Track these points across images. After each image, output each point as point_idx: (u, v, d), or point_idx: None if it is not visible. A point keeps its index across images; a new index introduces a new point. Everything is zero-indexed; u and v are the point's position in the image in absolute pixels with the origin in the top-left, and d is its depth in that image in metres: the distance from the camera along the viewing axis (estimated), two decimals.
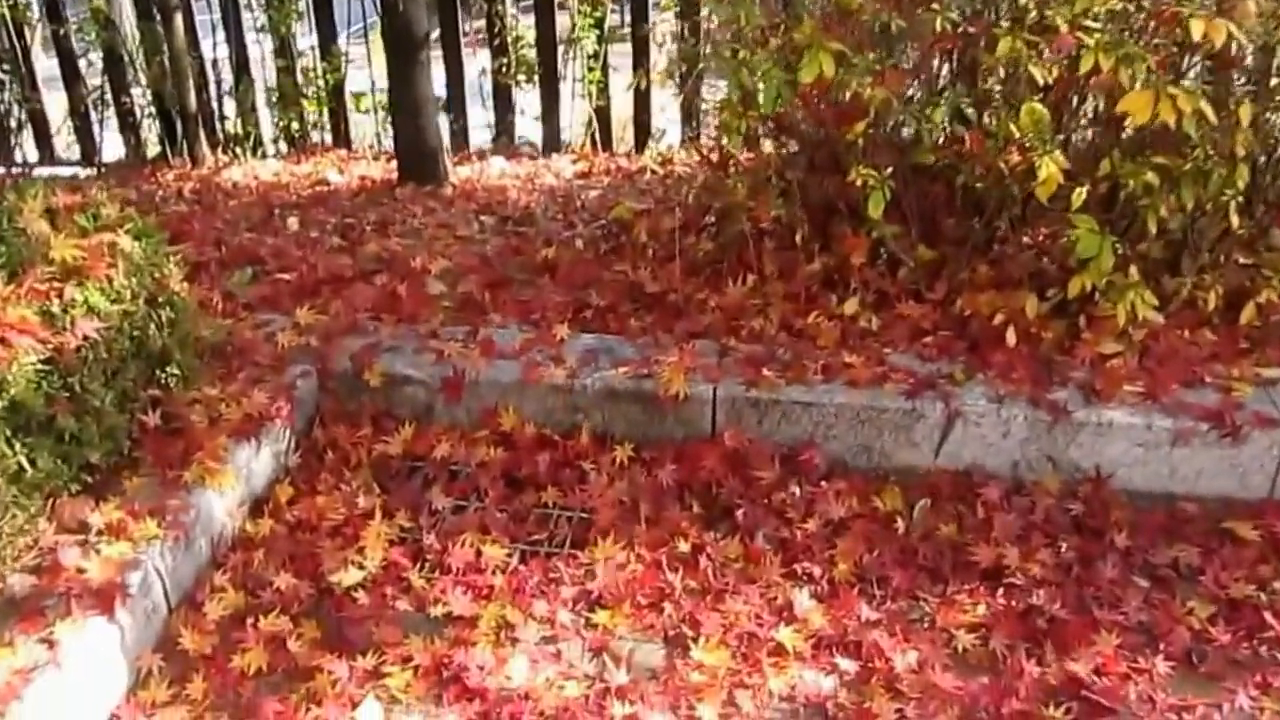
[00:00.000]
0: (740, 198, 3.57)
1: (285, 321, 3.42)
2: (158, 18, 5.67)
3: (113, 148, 6.67)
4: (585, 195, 4.82)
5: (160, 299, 2.86)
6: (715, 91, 5.81)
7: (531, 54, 6.04)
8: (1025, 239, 3.44)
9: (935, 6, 2.93)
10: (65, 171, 6.51)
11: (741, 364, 3.11)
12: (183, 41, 5.67)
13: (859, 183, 3.03)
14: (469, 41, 6.26)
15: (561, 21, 6.02)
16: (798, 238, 3.52)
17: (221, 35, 6.24)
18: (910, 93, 3.21)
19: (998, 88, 3.10)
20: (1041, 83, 2.81)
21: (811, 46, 2.91)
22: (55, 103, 6.66)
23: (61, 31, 6.32)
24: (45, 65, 6.77)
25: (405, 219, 4.46)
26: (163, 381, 2.90)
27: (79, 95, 6.59)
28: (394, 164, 5.47)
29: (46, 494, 2.50)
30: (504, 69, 6.10)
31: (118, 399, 2.70)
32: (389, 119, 5.29)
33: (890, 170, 3.04)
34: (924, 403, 2.95)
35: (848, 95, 3.08)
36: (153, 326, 2.83)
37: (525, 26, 6.07)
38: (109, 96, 6.51)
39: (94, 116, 6.65)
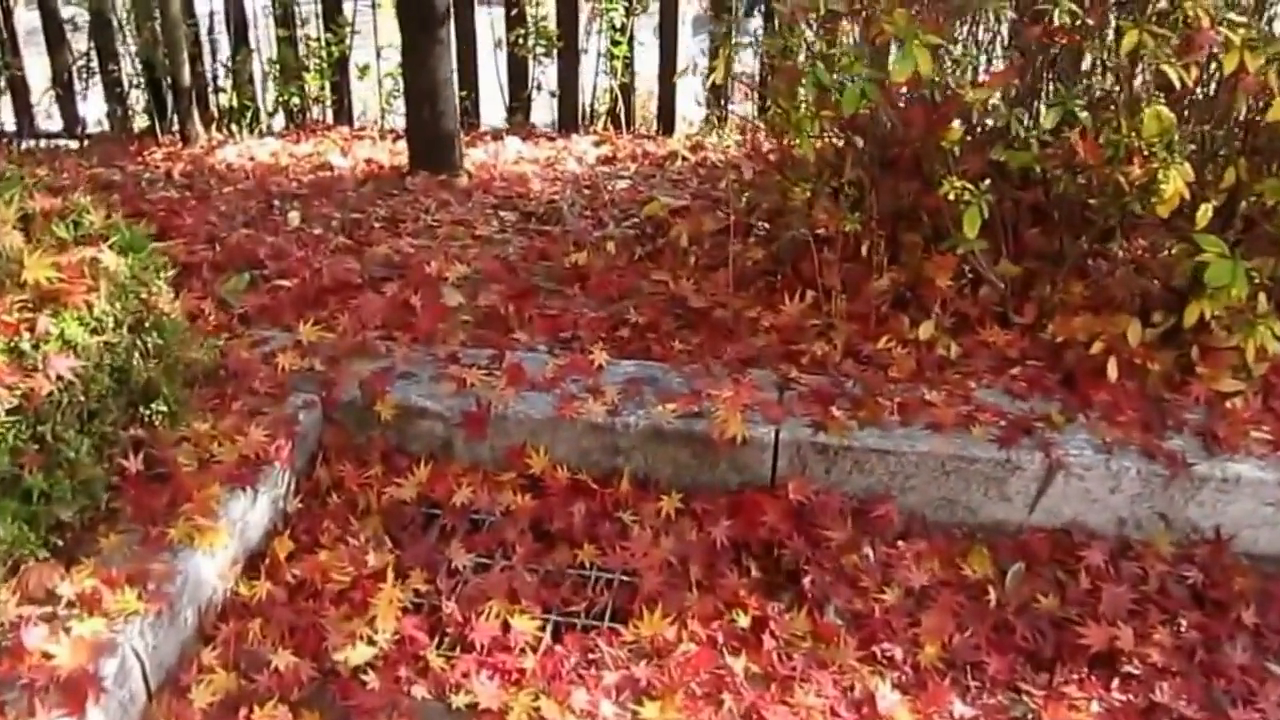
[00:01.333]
0: (800, 201, 3.19)
1: (286, 339, 3.06)
2: None
3: (96, 113, 6.31)
4: (613, 186, 4.45)
5: (147, 323, 2.50)
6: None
7: (550, 24, 5.64)
8: (1121, 252, 3.06)
9: None
10: (48, 144, 6.13)
11: (805, 400, 2.75)
12: (178, 8, 5.26)
13: (950, 196, 2.64)
14: None
15: None
16: (863, 248, 3.14)
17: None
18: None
19: (1116, 88, 2.72)
20: (1177, 84, 2.43)
21: (905, 39, 2.52)
22: (38, 69, 6.25)
23: None
24: (27, 25, 6.37)
25: (417, 214, 4.09)
26: (147, 419, 2.53)
27: (63, 61, 6.20)
28: (401, 145, 5.09)
29: (10, 563, 2.15)
30: (521, 40, 5.70)
31: (95, 446, 2.34)
32: (402, 99, 4.85)
33: (995, 196, 2.64)
34: (1019, 452, 2.58)
35: (940, 95, 2.70)
36: (138, 356, 2.47)
37: None
38: (95, 64, 6.14)
39: (78, 85, 6.27)
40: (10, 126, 6.39)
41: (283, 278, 3.47)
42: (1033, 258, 3.06)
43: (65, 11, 6.01)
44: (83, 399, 2.25)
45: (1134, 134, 2.58)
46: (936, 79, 2.62)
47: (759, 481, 2.71)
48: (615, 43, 5.56)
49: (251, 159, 5.14)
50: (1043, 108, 2.66)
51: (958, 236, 2.82)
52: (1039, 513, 2.64)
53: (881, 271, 3.14)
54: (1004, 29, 3.10)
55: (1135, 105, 2.65)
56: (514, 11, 5.70)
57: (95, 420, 2.34)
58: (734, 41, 3.61)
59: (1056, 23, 2.68)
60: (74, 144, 6.09)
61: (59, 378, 2.17)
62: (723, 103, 5.69)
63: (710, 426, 2.67)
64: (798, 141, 2.80)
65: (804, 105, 2.76)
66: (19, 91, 6.38)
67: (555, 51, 5.71)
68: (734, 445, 2.66)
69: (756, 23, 5.79)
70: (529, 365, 2.93)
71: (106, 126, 6.22)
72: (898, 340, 2.98)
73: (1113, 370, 2.78)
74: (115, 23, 5.91)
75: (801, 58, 3.15)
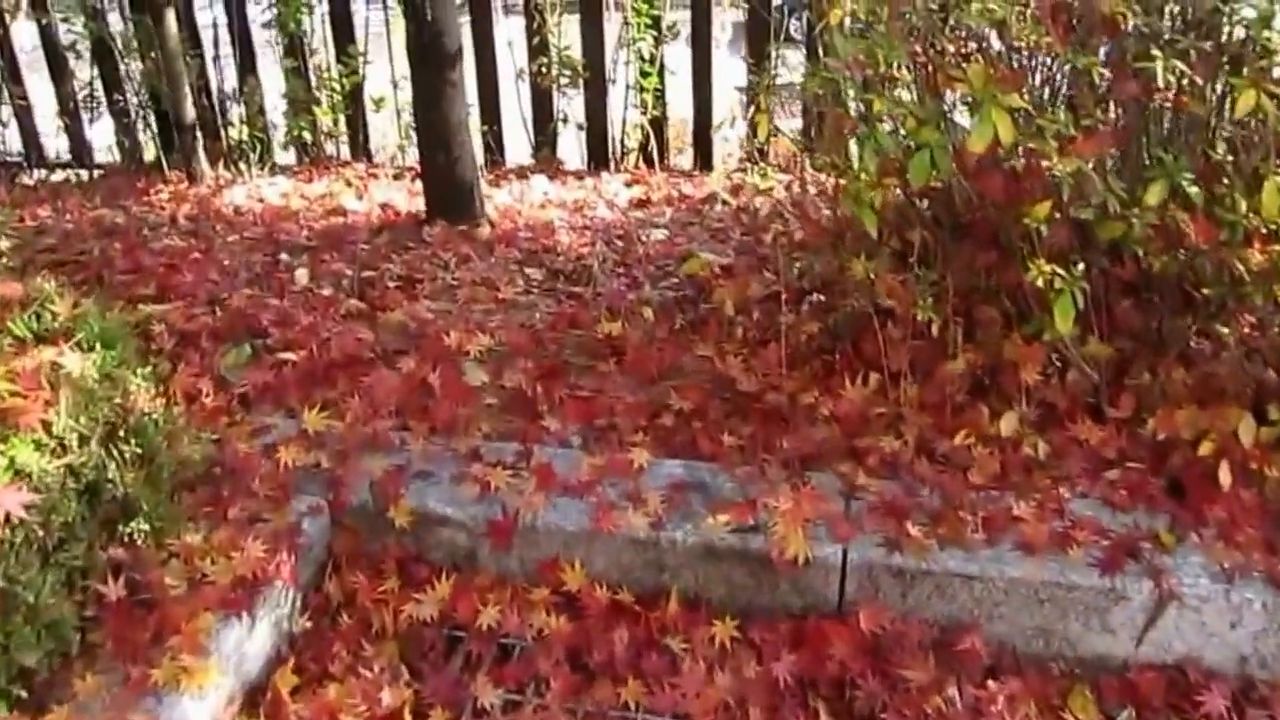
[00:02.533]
0: (861, 273, 2.87)
1: (289, 427, 2.76)
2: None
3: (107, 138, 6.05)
4: (648, 236, 4.15)
5: (123, 430, 2.19)
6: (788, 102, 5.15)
7: (575, 53, 5.34)
8: (1229, 333, 2.74)
9: (1155, 53, 2.21)
10: (56, 176, 5.88)
11: (876, 512, 2.44)
12: (177, 43, 5.00)
13: (1039, 282, 2.33)
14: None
15: (612, 16, 5.34)
16: (934, 325, 2.82)
17: (225, 30, 5.56)
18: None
19: (1229, 158, 2.40)
20: None
21: (984, 102, 2.20)
22: (46, 95, 6.00)
23: (45, 21, 5.65)
24: (30, 51, 6.11)
25: (435, 271, 3.79)
26: (128, 537, 2.23)
27: (67, 91, 5.95)
28: (419, 184, 4.79)
29: None
30: (544, 70, 5.40)
31: (64, 579, 2.04)
32: (415, 137, 4.54)
33: (1083, 268, 2.32)
34: (1124, 579, 2.26)
35: (1022, 164, 2.38)
36: (113, 468, 2.16)
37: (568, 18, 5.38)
38: (101, 92, 5.88)
39: (85, 113, 6.02)
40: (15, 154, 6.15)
41: (288, 349, 3.17)
42: (1126, 337, 2.74)
43: (65, 38, 5.73)
44: (42, 533, 1.95)
45: (1253, 213, 2.25)
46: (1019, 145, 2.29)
47: (825, 606, 2.40)
48: (645, 74, 5.25)
49: (260, 200, 4.86)
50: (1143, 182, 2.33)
51: (1044, 322, 2.51)
52: (1148, 646, 2.32)
53: (955, 352, 2.81)
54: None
55: (1254, 178, 2.33)
56: (536, 40, 5.40)
57: (62, 550, 2.04)
58: (772, 84, 3.26)
59: (1160, 82, 2.35)
60: (83, 172, 5.84)
61: (7, 517, 1.87)
62: (763, 142, 5.38)
63: (768, 544, 2.36)
64: (855, 209, 2.47)
65: (865, 174, 2.44)
66: (24, 120, 6.13)
67: (581, 82, 5.41)
68: (796, 566, 2.34)
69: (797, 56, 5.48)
70: (560, 464, 2.62)
71: (116, 154, 5.96)
72: (977, 435, 2.66)
73: (1225, 475, 2.46)
74: (117, 51, 5.63)
75: (853, 108, 2.84)
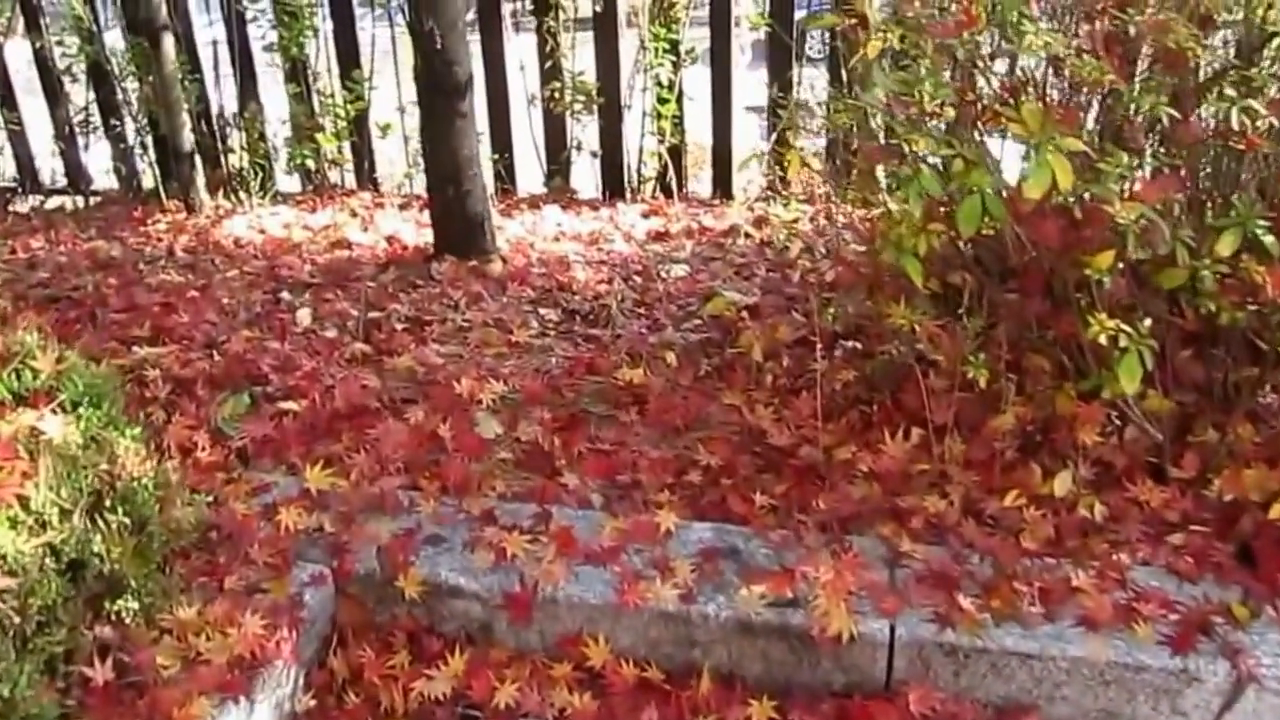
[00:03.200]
0: (900, 320, 2.73)
1: (290, 485, 2.63)
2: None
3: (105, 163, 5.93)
4: (668, 272, 4.01)
5: (110, 499, 2.05)
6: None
7: (589, 78, 5.21)
8: None
9: (1229, 92, 2.06)
10: (51, 201, 5.76)
11: (923, 583, 2.29)
12: (174, 68, 4.87)
13: (1101, 339, 2.18)
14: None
15: (628, 40, 5.21)
16: (980, 378, 2.67)
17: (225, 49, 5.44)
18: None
19: None
20: None
21: (1040, 145, 2.06)
22: (42, 120, 5.88)
23: (39, 45, 5.53)
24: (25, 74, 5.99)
25: (445, 311, 3.65)
26: (116, 615, 2.08)
27: (63, 115, 5.83)
28: (427, 214, 4.66)
29: None
30: (557, 95, 5.27)
31: (42, 668, 1.89)
32: (422, 164, 4.40)
33: (1149, 322, 2.17)
34: (1197, 658, 2.10)
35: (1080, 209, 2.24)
36: (99, 540, 2.01)
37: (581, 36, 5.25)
38: (97, 117, 5.76)
39: (82, 139, 5.90)
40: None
41: (289, 397, 3.04)
42: (1189, 391, 2.59)
43: (61, 61, 5.61)
44: (18, 619, 1.80)
45: None
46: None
47: (871, 685, 2.25)
48: (663, 100, 5.12)
49: (261, 232, 4.73)
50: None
51: (1103, 379, 2.36)
52: None
53: (1003, 406, 2.66)
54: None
55: None
56: (548, 64, 5.27)
57: (42, 634, 1.89)
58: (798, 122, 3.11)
59: (1234, 125, 2.21)
60: (79, 199, 5.72)
61: None
62: (780, 164, 5.24)
63: (809, 619, 2.20)
64: (898, 258, 2.33)
65: (908, 221, 2.29)
66: (18, 144, 6.01)
67: (595, 108, 5.28)
68: (840, 642, 2.19)
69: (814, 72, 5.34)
70: (581, 528, 2.48)
71: (114, 180, 5.84)
72: (1028, 496, 2.50)
73: None
74: (114, 73, 5.51)
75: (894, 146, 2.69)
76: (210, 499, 2.52)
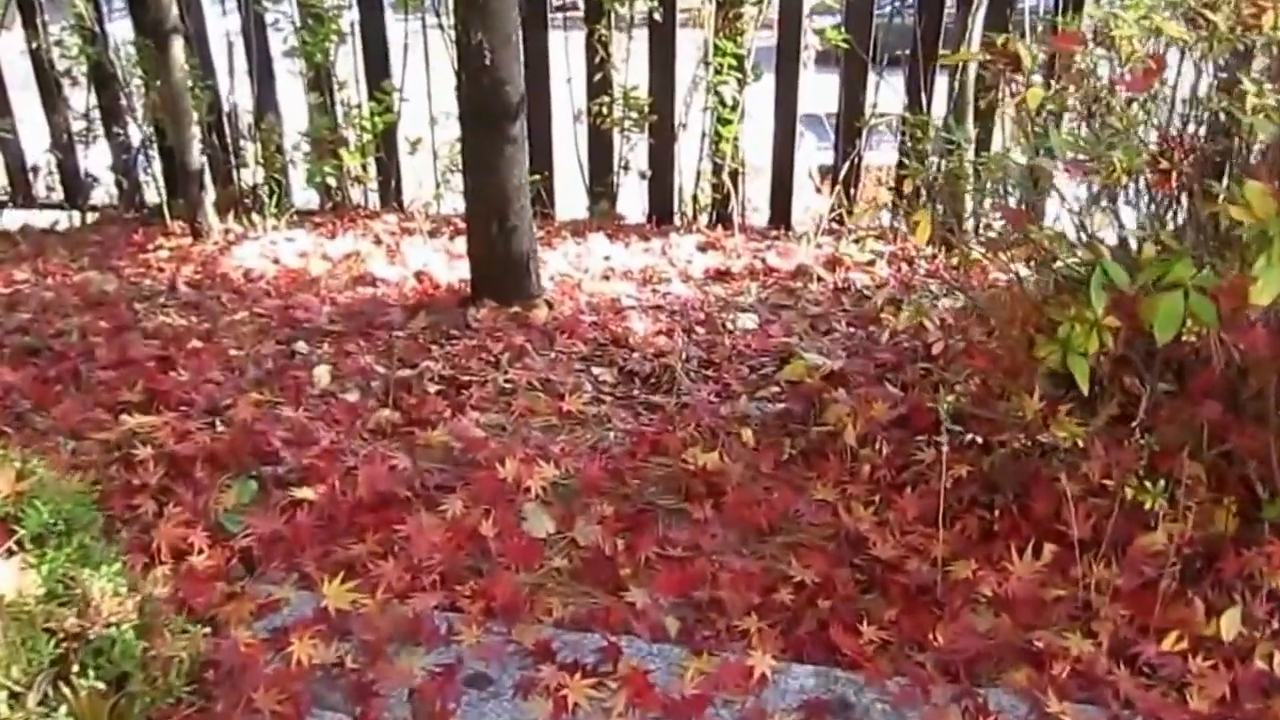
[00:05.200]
0: (1031, 413, 2.36)
1: (304, 603, 2.27)
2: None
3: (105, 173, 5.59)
4: (734, 323, 3.63)
5: (81, 657, 1.68)
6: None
7: (641, 92, 4.85)
8: None
9: None
10: (44, 217, 5.41)
11: None
12: (182, 77, 4.52)
13: None
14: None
15: (683, 53, 4.85)
16: (1127, 489, 2.29)
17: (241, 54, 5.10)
18: None
19: None
20: None
21: (1274, 239, 1.67)
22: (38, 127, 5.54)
23: (36, 45, 5.19)
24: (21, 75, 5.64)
25: (484, 368, 3.29)
26: None
27: (60, 123, 5.48)
28: (461, 244, 4.30)
29: None
30: (605, 111, 4.90)
31: None
32: (461, 188, 4.02)
33: None
34: None
35: None
36: (64, 712, 1.65)
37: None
38: (99, 125, 5.43)
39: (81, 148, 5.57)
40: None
41: (304, 481, 2.68)
42: None
43: (61, 62, 5.27)
44: None
45: None
46: None
47: None
48: (724, 121, 4.74)
49: (275, 262, 4.37)
50: None
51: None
52: None
53: (1155, 520, 2.27)
54: None
55: None
56: (597, 77, 4.90)
57: None
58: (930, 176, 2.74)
59: None
60: (75, 214, 5.38)
61: None
62: (850, 192, 4.86)
63: None
64: (1070, 362, 1.95)
65: (1080, 316, 1.91)
66: (10, 152, 5.67)
67: (647, 126, 4.91)
68: None
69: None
70: (656, 668, 2.12)
71: (115, 194, 5.50)
72: (1191, 638, 2.12)
73: None
74: (118, 78, 5.17)
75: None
76: (207, 627, 2.14)
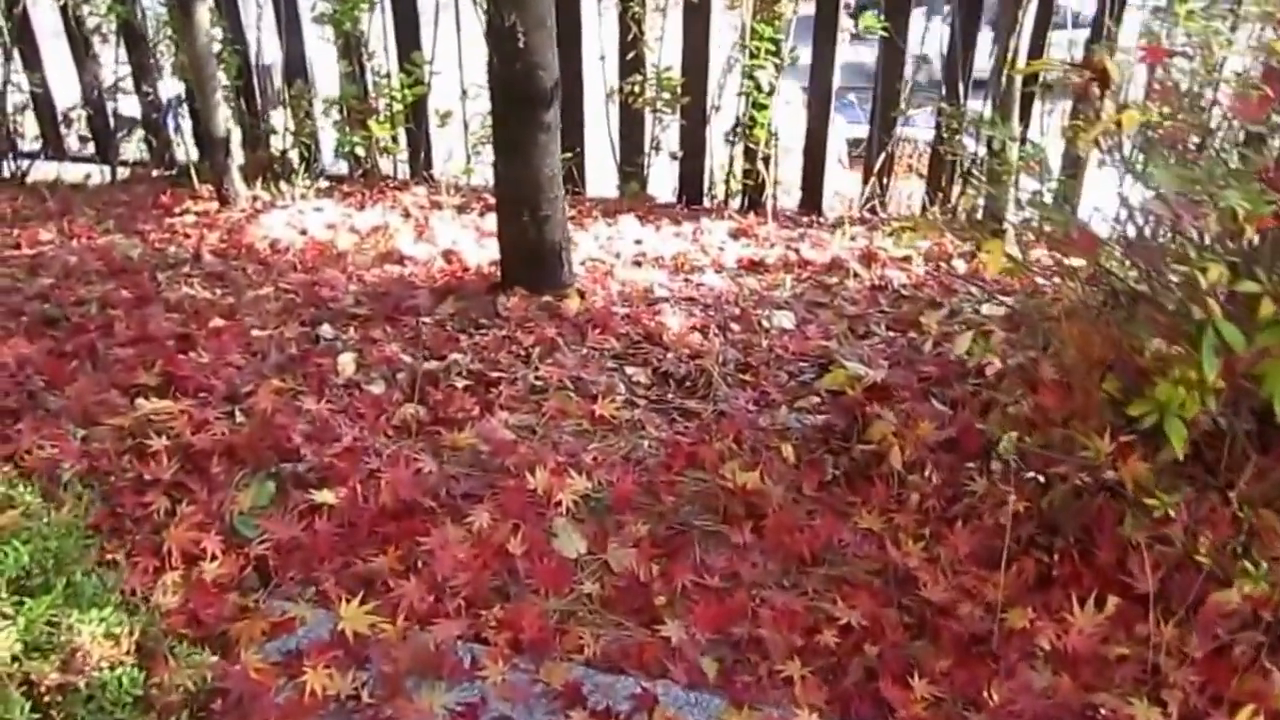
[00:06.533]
0: (1099, 455, 2.11)
1: (320, 624, 2.05)
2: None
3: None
4: (770, 320, 3.38)
5: (65, 713, 1.45)
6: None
7: (674, 72, 4.58)
8: None
9: None
10: (76, 170, 5.15)
11: None
12: (207, 42, 4.24)
13: None
14: None
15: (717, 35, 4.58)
16: (1200, 535, 2.05)
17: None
18: None
19: None
20: None
21: None
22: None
23: (64, 2, 4.90)
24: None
25: (514, 365, 3.03)
26: None
27: (91, 80, 5.21)
28: (491, 221, 4.05)
29: None
30: (638, 90, 4.62)
31: None
32: (493, 175, 3.75)
33: None
34: None
35: None
36: None
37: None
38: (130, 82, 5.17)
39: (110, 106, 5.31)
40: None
41: (324, 483, 2.44)
42: None
43: (90, 20, 5.00)
44: None
45: None
46: None
47: None
48: (759, 106, 4.46)
49: (303, 232, 4.12)
50: None
51: None
52: None
53: (1228, 577, 2.03)
54: None
55: None
56: (630, 55, 4.62)
57: None
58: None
59: None
60: (105, 169, 5.12)
61: None
62: (884, 180, 4.59)
63: None
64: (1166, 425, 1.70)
65: (1183, 377, 1.65)
66: (42, 108, 5.40)
67: (679, 107, 4.63)
68: None
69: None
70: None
71: (145, 150, 5.24)
72: (1267, 713, 1.88)
73: None
74: (147, 37, 4.89)
75: None
76: (215, 649, 1.91)
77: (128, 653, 1.60)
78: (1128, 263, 2.45)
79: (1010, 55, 3.78)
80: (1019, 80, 3.80)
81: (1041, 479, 2.36)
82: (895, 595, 2.22)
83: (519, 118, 3.19)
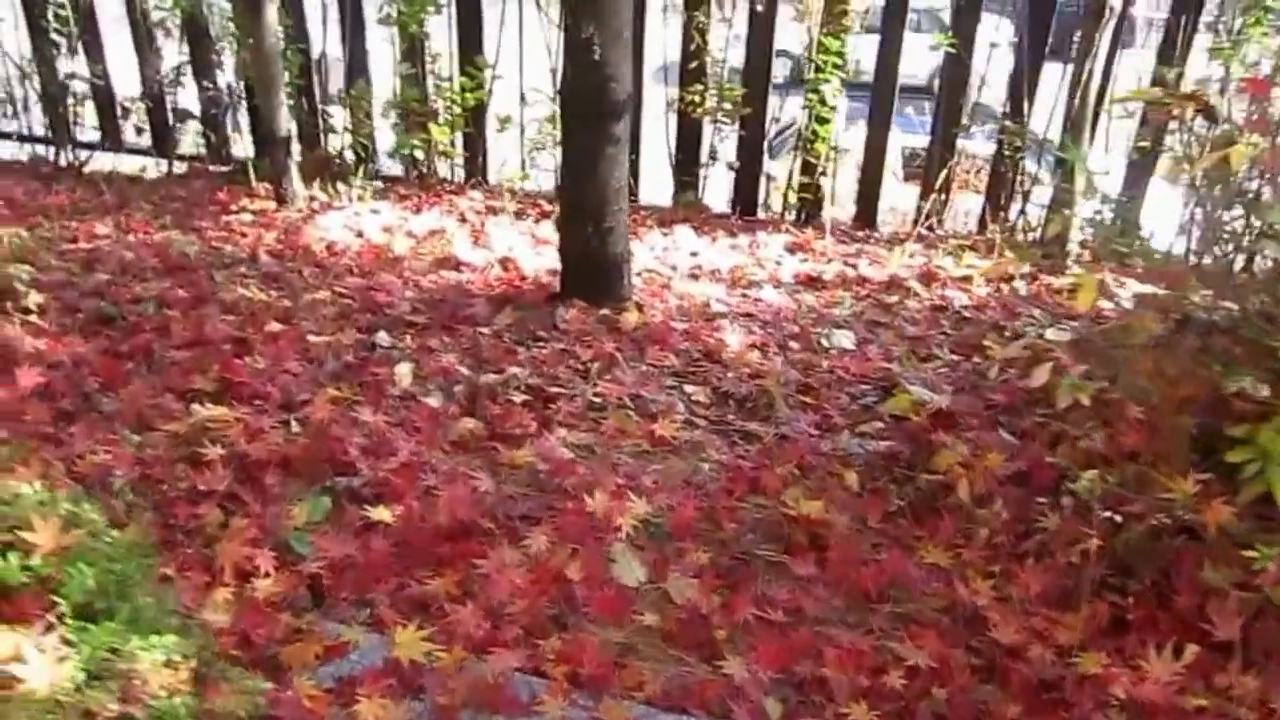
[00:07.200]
0: (1183, 496, 2.00)
1: (374, 649, 1.97)
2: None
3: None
4: (829, 339, 3.27)
5: None
6: None
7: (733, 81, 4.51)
8: None
9: None
10: (132, 162, 5.13)
11: None
12: (275, 41, 4.19)
13: None
14: None
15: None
16: None
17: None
18: None
19: None
20: None
21: None
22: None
23: None
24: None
25: (572, 380, 2.95)
26: None
27: (152, 73, 5.18)
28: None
29: None
30: (698, 100, 4.54)
31: None
32: (558, 184, 3.67)
33: None
34: None
35: None
36: None
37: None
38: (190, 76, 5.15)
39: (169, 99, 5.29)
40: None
41: (381, 499, 2.36)
42: None
43: (155, 14, 4.97)
44: None
45: None
46: None
47: None
48: (821, 120, 4.36)
49: (359, 235, 4.05)
50: None
51: None
52: None
53: None
54: None
55: None
56: (692, 64, 4.53)
57: None
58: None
59: None
60: (163, 163, 5.08)
61: None
62: (944, 196, 4.48)
63: None
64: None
65: None
66: (101, 100, 5.38)
67: (738, 118, 4.55)
68: None
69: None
70: None
71: (202, 144, 5.21)
72: None
73: None
74: (211, 32, 4.85)
75: None
76: (268, 674, 1.83)
77: (186, 680, 1.52)
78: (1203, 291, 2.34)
79: (1085, 77, 3.66)
80: (1091, 101, 3.68)
81: (1116, 517, 2.25)
82: (963, 635, 2.12)
83: (590, 129, 3.11)
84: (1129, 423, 2.22)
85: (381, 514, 2.31)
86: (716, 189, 4.88)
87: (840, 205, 4.77)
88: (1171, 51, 4.03)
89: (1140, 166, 4.12)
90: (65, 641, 1.35)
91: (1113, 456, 2.36)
